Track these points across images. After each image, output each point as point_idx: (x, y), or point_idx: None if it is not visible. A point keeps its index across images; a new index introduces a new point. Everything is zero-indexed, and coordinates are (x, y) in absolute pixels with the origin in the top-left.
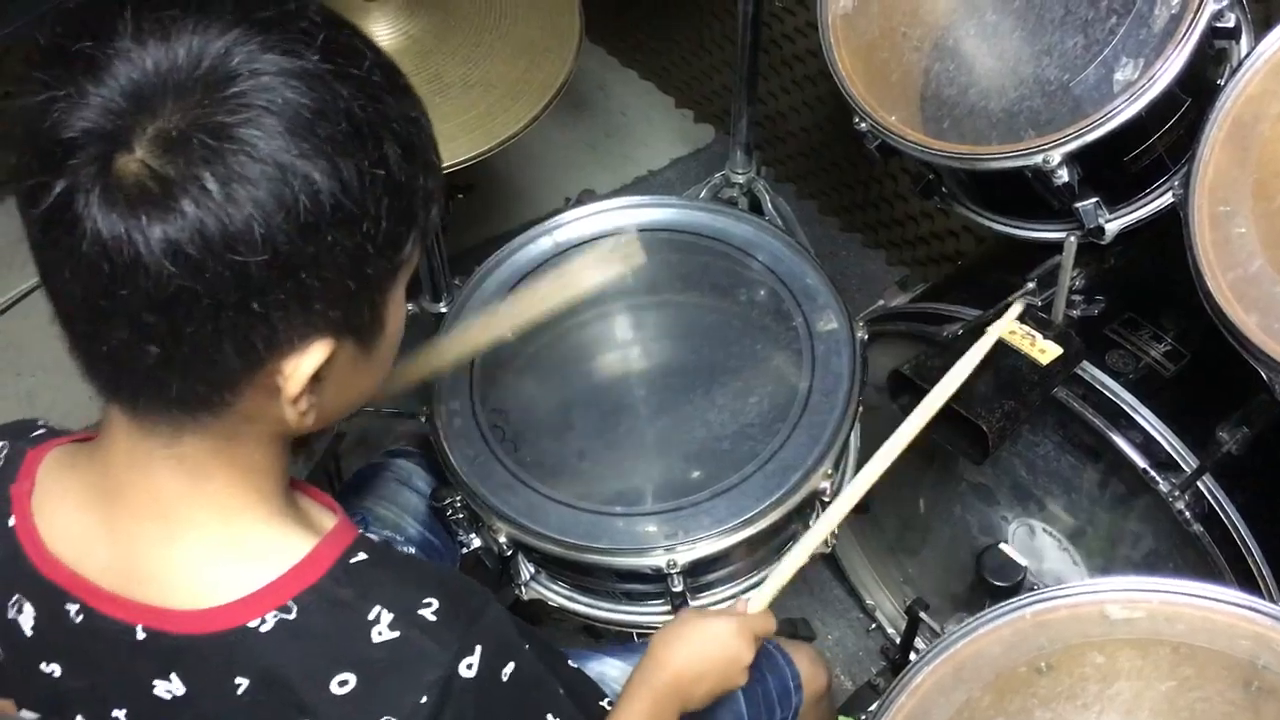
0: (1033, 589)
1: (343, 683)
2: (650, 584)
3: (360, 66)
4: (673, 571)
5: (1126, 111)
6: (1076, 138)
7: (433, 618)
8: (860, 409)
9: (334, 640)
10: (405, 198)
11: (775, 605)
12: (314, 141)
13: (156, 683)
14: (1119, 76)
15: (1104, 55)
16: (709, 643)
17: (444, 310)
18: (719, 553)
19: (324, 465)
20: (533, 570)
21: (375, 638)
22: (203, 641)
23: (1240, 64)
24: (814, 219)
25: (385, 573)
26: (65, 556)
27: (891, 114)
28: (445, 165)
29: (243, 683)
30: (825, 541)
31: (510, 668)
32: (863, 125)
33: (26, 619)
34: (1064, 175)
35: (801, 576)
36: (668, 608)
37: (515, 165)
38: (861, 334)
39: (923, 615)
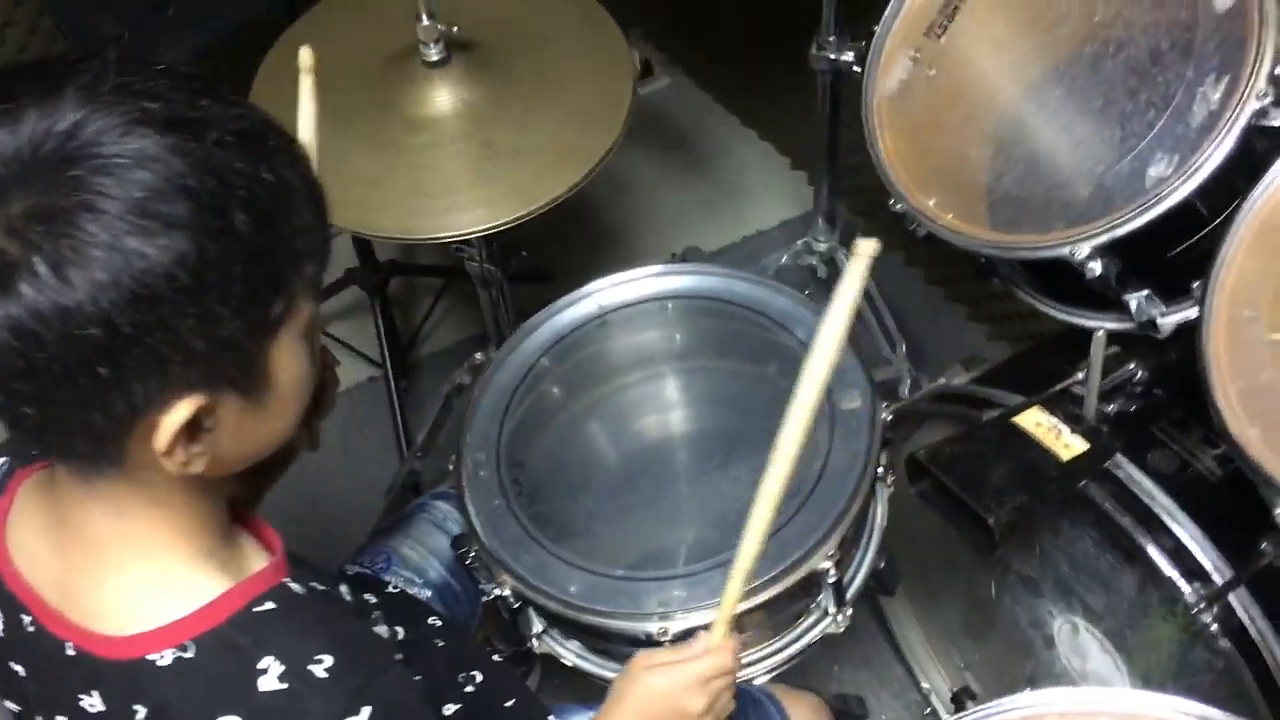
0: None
1: None
2: (648, 649)
3: (205, 139)
4: (664, 640)
5: (1156, 208)
6: (1104, 232)
7: (323, 674)
8: (887, 490)
9: (223, 683)
10: (263, 262)
11: (834, 677)
12: (150, 221)
13: (82, 697)
14: (1152, 172)
15: (1139, 149)
16: (652, 697)
17: None
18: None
19: (404, 497)
20: (543, 625)
21: (262, 686)
22: (113, 667)
23: (1271, 165)
24: (920, 288)
25: (287, 624)
26: (24, 572)
27: (930, 198)
28: (488, 227)
29: (140, 711)
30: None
31: None
32: (899, 207)
33: None
34: (1096, 268)
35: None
36: None
37: (627, 218)
38: (886, 416)
39: (969, 704)
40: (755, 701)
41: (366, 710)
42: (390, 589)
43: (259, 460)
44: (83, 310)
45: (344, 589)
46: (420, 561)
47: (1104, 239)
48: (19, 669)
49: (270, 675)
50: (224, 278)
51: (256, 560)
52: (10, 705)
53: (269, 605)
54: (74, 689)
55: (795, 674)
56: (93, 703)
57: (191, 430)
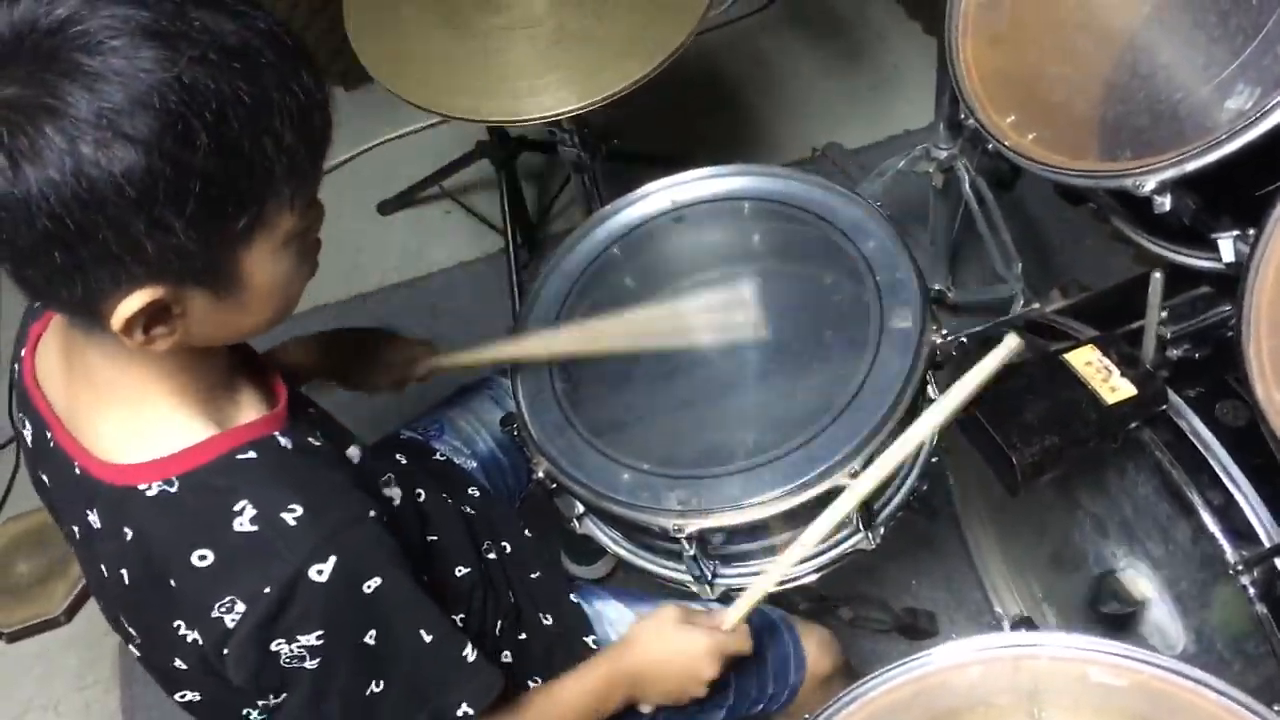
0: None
1: (202, 557)
2: (672, 543)
3: (181, 56)
4: (680, 536)
5: (1229, 144)
6: (1171, 165)
7: (292, 522)
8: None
9: (200, 519)
10: (225, 181)
11: (910, 592)
12: (107, 133)
13: (87, 512)
14: (1231, 104)
15: (1221, 79)
16: (679, 653)
17: None
18: (727, 528)
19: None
20: (583, 508)
21: (236, 526)
22: (107, 489)
23: None
24: (1066, 207)
25: (263, 473)
26: (48, 392)
27: (1007, 116)
28: (547, 114)
29: (129, 533)
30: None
31: (376, 582)
32: (970, 121)
33: (28, 434)
34: (1165, 203)
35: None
36: (688, 574)
37: (774, 106)
38: (935, 338)
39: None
40: (772, 627)
41: (332, 559)
42: (437, 456)
43: (244, 339)
44: (34, 204)
45: (355, 449)
46: (471, 433)
47: (1171, 174)
48: (45, 478)
49: (244, 517)
50: (176, 192)
51: (252, 412)
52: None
53: (250, 454)
54: (81, 503)
55: (869, 584)
56: (94, 518)
57: (158, 314)
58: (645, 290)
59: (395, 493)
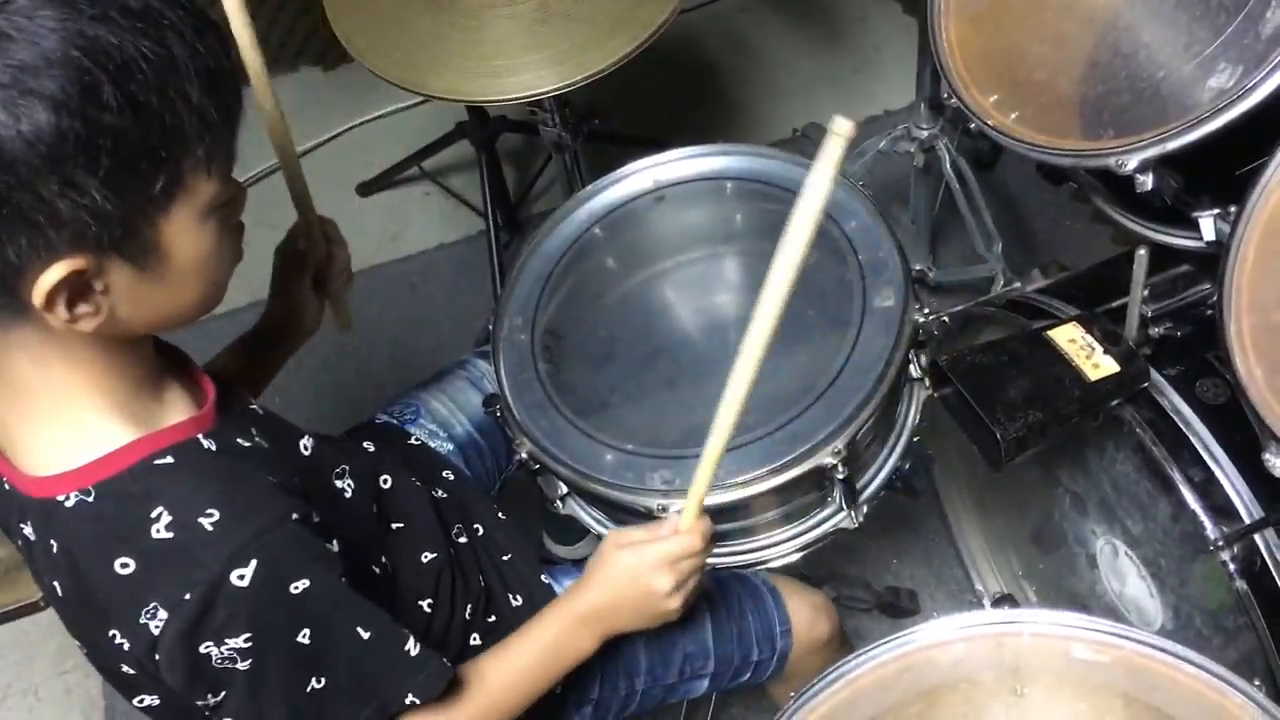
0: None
1: (124, 565)
2: (619, 529)
3: (82, 14)
4: (664, 516)
5: (1211, 123)
6: (1153, 144)
7: (210, 527)
8: (925, 393)
9: (119, 528)
10: (136, 137)
11: (891, 571)
12: (16, 92)
13: (21, 525)
14: (1212, 83)
15: (1203, 57)
16: (618, 573)
17: None
18: (710, 508)
19: None
20: (566, 489)
21: (154, 534)
22: (33, 503)
23: None
24: (1047, 187)
25: (180, 478)
26: None
27: (990, 95)
28: (528, 94)
29: (54, 545)
30: None
31: (304, 584)
32: (952, 101)
33: None
34: (1147, 181)
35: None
36: None
37: (754, 87)
38: (917, 317)
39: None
40: (754, 590)
41: (253, 563)
42: (412, 441)
43: (171, 326)
44: None
45: (307, 443)
46: (448, 416)
47: (1153, 152)
48: None
49: (160, 524)
50: (88, 150)
51: (178, 414)
52: None
53: (168, 459)
54: (15, 518)
55: (849, 563)
56: (29, 532)
57: (79, 290)
58: (627, 271)
59: (348, 484)
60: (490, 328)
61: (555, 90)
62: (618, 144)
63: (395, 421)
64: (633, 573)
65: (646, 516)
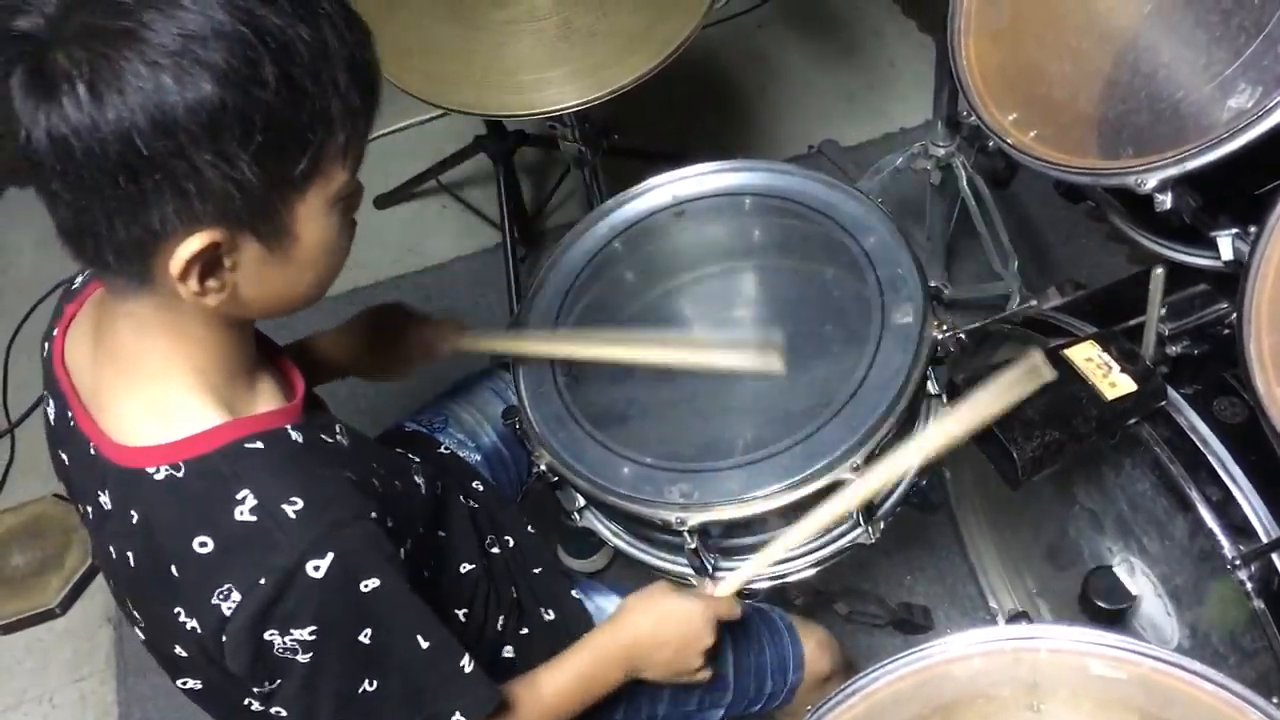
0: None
1: (203, 544)
2: (673, 536)
3: None
4: (682, 529)
5: (1231, 143)
6: (1173, 164)
7: (292, 515)
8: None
9: (203, 506)
10: (287, 117)
11: (905, 587)
12: (184, 60)
13: (99, 493)
14: (1232, 103)
15: (1223, 78)
16: (672, 618)
17: None
18: (729, 522)
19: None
20: (584, 501)
21: (237, 515)
22: (118, 471)
23: None
24: (1064, 205)
25: (268, 464)
26: (74, 373)
27: (1009, 114)
28: (550, 109)
29: (135, 516)
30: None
31: (374, 583)
32: (971, 119)
33: (51, 413)
34: (1166, 201)
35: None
36: (689, 567)
37: (771, 103)
38: (935, 334)
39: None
40: (772, 625)
41: (330, 555)
42: (441, 449)
43: (280, 313)
44: (109, 128)
45: (381, 447)
46: (475, 426)
47: (1172, 172)
48: (65, 458)
49: (244, 506)
50: (244, 123)
51: (267, 403)
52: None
53: (258, 445)
54: (95, 484)
55: (863, 579)
56: (105, 499)
57: (211, 264)
58: (646, 284)
59: (418, 487)
60: None
61: (577, 106)
62: (635, 158)
63: (425, 430)
64: (685, 618)
65: (664, 529)
